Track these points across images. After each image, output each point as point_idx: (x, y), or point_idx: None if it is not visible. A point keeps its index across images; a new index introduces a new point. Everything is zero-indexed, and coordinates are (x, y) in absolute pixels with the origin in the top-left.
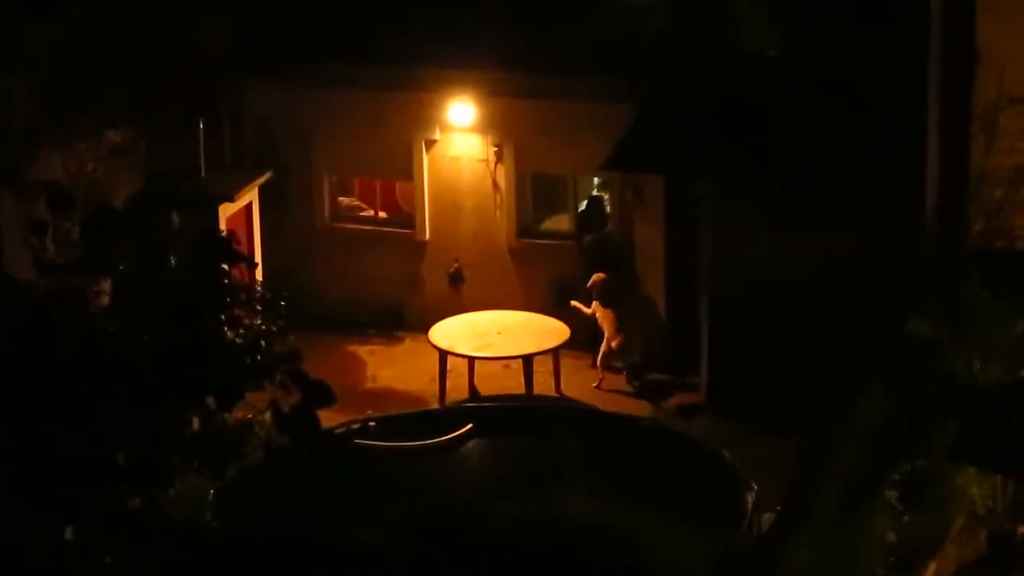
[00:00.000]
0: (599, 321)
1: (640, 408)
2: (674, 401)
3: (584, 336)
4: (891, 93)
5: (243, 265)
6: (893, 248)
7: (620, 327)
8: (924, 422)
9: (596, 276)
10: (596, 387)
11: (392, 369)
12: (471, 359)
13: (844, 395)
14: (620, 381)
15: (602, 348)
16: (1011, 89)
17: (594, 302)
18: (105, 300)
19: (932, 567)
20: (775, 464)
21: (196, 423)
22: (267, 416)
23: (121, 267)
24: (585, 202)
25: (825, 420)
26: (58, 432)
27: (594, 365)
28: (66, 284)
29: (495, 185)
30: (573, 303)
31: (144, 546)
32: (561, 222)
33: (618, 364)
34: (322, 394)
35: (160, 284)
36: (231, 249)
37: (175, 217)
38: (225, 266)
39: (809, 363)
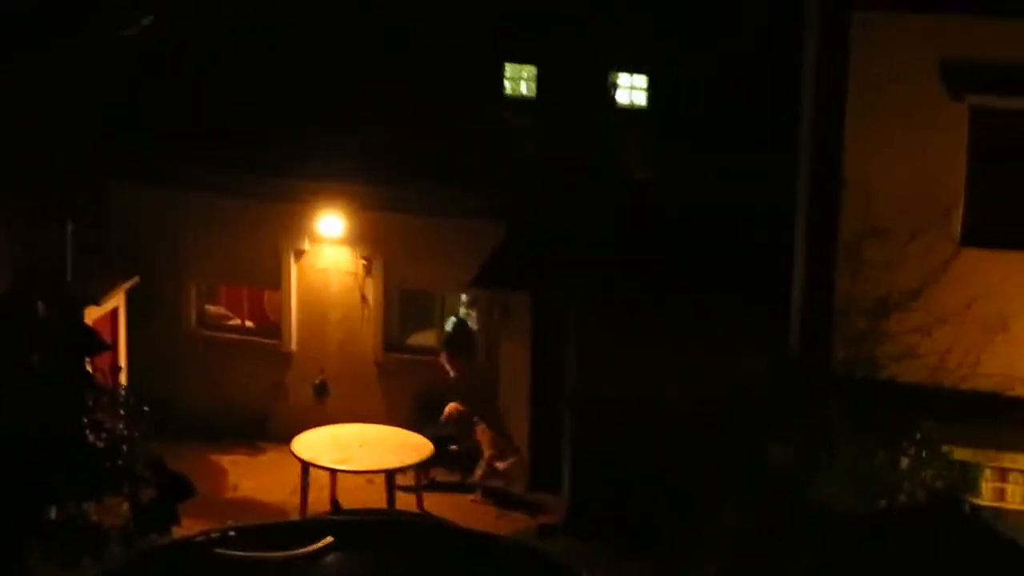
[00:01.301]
0: (478, 435)
1: (500, 526)
2: (535, 520)
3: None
4: (760, 218)
5: (106, 363)
6: (760, 363)
7: (503, 447)
8: (781, 548)
9: (450, 407)
10: (473, 501)
11: (254, 479)
12: (333, 472)
13: (703, 518)
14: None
15: (480, 469)
16: (876, 220)
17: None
18: None
19: None
20: None
21: (53, 515)
22: (125, 508)
23: None
24: (451, 322)
25: (686, 540)
26: None
27: (463, 483)
28: None
29: (363, 298)
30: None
31: None
32: (428, 337)
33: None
34: (181, 487)
35: (22, 376)
36: (96, 338)
37: (41, 308)
38: (88, 364)
39: (671, 483)
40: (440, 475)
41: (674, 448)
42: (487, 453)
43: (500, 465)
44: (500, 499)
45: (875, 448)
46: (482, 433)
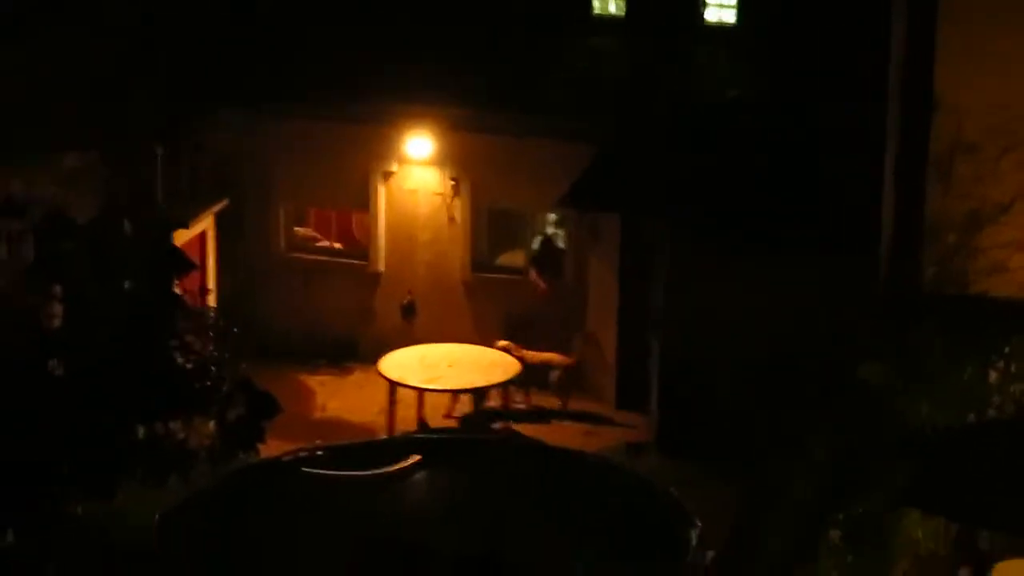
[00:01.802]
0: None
1: (588, 444)
2: (624, 438)
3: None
4: (849, 137)
5: (195, 285)
6: (846, 292)
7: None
8: (872, 465)
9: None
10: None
11: (342, 400)
12: (420, 391)
13: (792, 437)
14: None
15: (557, 374)
16: (967, 135)
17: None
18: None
19: None
20: (723, 504)
21: (140, 433)
22: (212, 428)
23: (73, 277)
24: (539, 240)
25: (773, 461)
26: (2, 437)
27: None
28: (19, 302)
29: (451, 219)
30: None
31: (84, 556)
32: (516, 258)
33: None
34: (267, 405)
35: (112, 296)
36: (184, 260)
37: (128, 227)
38: (177, 286)
39: (759, 405)
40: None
41: (764, 372)
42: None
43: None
44: (588, 417)
45: (964, 363)
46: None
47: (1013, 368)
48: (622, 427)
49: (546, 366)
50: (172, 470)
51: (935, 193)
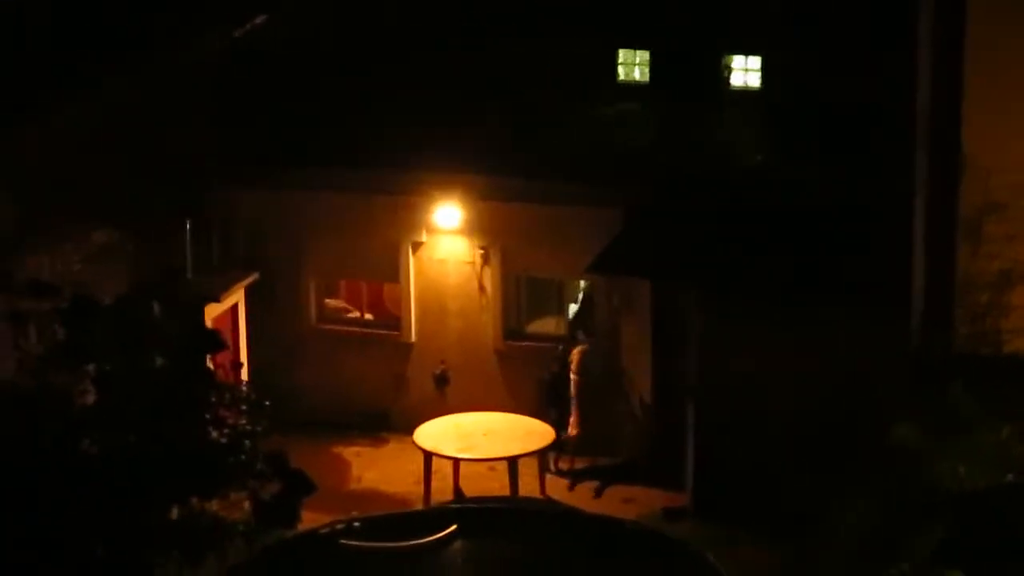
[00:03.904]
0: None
1: (625, 511)
2: (660, 504)
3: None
4: (877, 200)
5: (227, 359)
6: (880, 354)
7: (584, 417)
8: (909, 529)
9: (578, 348)
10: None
11: (377, 470)
12: (456, 460)
13: (829, 501)
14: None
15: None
16: (995, 195)
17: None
18: (90, 400)
19: None
20: (761, 570)
21: (175, 512)
22: (247, 506)
23: (102, 357)
24: (579, 298)
25: (810, 526)
26: (35, 525)
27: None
28: (49, 382)
29: (481, 287)
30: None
31: None
32: (547, 324)
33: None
34: (302, 483)
35: (142, 375)
36: (215, 338)
37: (156, 308)
38: (210, 362)
39: (794, 468)
40: (564, 462)
41: (797, 435)
42: (573, 418)
43: (572, 431)
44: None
45: (1001, 423)
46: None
47: None
48: (659, 492)
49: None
50: (209, 548)
51: (965, 253)
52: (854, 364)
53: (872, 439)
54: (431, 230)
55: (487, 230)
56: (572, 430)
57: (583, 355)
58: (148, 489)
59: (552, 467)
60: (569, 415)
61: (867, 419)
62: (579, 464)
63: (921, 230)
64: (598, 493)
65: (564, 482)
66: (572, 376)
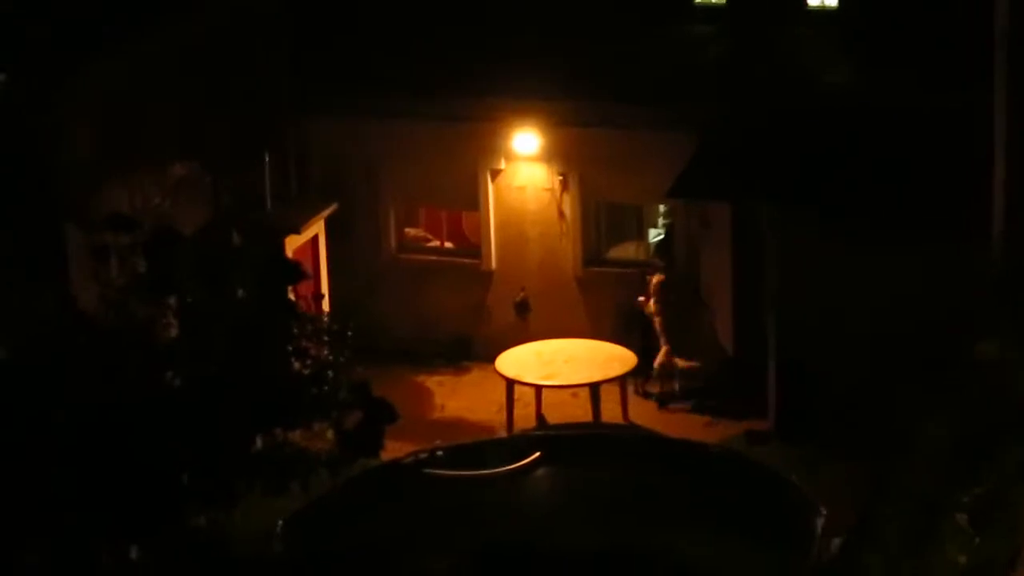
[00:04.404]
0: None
1: (708, 435)
2: (743, 427)
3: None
4: (956, 119)
5: (309, 291)
6: (961, 271)
7: (669, 340)
8: (994, 444)
9: (656, 277)
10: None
11: (460, 399)
12: (538, 388)
13: (914, 419)
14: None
15: (658, 359)
16: None
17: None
18: (173, 332)
19: None
20: (845, 490)
21: (259, 442)
22: (330, 436)
23: (184, 289)
24: (663, 226)
25: (894, 445)
26: (123, 455)
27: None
28: (132, 315)
29: (560, 214)
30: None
31: (206, 566)
32: (627, 250)
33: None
34: (385, 411)
35: (225, 307)
36: (296, 269)
37: (236, 238)
38: (292, 293)
39: (877, 388)
40: (653, 386)
41: (880, 354)
42: (664, 346)
43: (681, 363)
44: (708, 407)
45: None
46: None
47: None
48: (742, 415)
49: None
50: (292, 478)
51: None
52: (936, 281)
53: (956, 356)
54: (509, 157)
55: (565, 156)
56: (660, 357)
57: (660, 284)
58: (232, 420)
59: (640, 391)
60: (655, 342)
61: (951, 336)
62: (666, 388)
63: (1002, 146)
64: (685, 411)
65: (647, 407)
66: (651, 304)
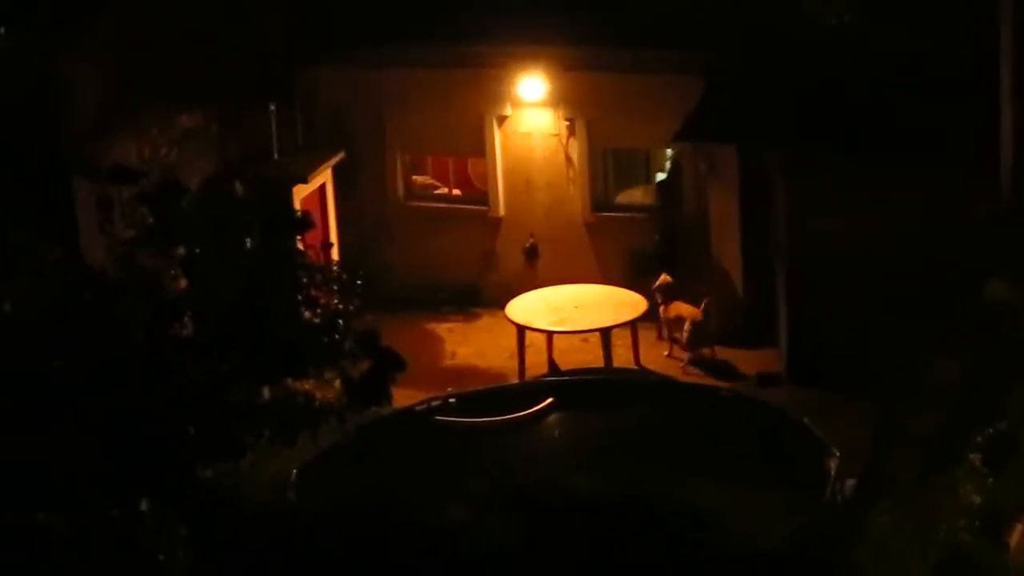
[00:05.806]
0: (669, 316)
1: (719, 379)
2: (754, 370)
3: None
4: (961, 59)
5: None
6: (968, 212)
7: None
8: (1006, 384)
9: (662, 278)
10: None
11: (471, 346)
12: (549, 334)
13: (923, 360)
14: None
15: (686, 333)
16: None
17: (660, 305)
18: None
19: (1018, 529)
20: (857, 432)
21: (267, 392)
22: (337, 384)
23: (191, 240)
24: (668, 167)
25: (904, 386)
26: (130, 406)
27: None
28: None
29: (568, 159)
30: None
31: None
32: (635, 195)
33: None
34: (391, 360)
35: (232, 257)
36: (302, 218)
37: (239, 188)
38: (299, 242)
39: (887, 329)
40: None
41: (889, 295)
42: (687, 317)
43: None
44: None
45: None
46: (676, 309)
47: None
48: (752, 358)
49: (679, 320)
50: (301, 428)
51: None
52: (945, 221)
53: (965, 297)
54: (515, 103)
55: (572, 101)
56: (687, 327)
57: (666, 285)
58: (240, 370)
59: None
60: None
61: (959, 277)
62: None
63: (1008, 87)
64: (691, 362)
65: (657, 353)
66: (669, 309)
